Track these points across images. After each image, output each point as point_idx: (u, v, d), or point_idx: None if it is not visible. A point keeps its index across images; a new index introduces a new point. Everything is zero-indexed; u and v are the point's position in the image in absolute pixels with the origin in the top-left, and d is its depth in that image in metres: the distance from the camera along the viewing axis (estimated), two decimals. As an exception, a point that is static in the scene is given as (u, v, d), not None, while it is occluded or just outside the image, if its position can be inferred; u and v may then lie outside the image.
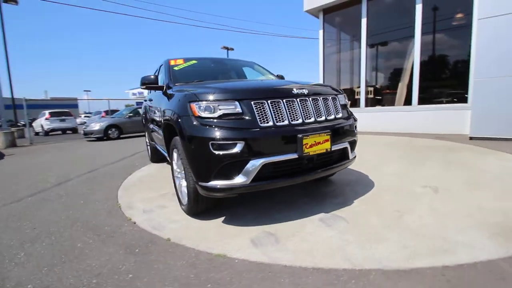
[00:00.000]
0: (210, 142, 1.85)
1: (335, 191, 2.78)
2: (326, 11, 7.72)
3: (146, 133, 4.71)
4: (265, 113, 1.95)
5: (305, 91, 2.14)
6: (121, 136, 10.65)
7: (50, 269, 1.66)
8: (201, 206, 2.21)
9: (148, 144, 4.76)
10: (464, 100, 5.91)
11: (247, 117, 1.91)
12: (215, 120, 1.91)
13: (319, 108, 2.19)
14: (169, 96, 2.61)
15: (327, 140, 2.08)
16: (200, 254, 1.75)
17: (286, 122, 1.99)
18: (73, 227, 2.27)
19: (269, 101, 1.98)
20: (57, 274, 1.61)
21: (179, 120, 2.05)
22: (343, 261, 1.58)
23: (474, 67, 5.34)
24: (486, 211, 2.13)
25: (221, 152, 1.85)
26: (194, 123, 1.94)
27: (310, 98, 2.15)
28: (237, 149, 1.84)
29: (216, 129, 1.88)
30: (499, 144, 4.58)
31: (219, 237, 1.96)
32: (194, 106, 1.97)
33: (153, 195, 3.00)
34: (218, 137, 1.85)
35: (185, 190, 2.30)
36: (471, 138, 5.17)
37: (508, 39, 4.59)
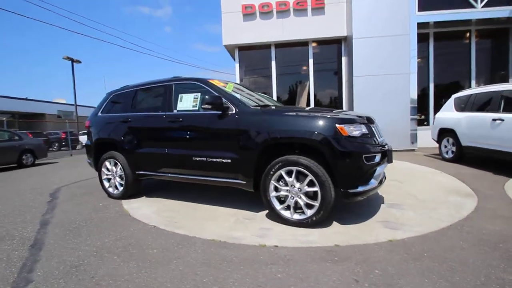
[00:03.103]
0: (364, 156, 2.39)
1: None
2: (241, 48, 8.92)
3: (119, 161, 3.74)
4: (375, 133, 2.70)
5: (374, 118, 3.07)
6: None
7: (310, 297, 1.58)
8: (329, 214, 2.54)
9: (121, 174, 3.78)
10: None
11: (371, 136, 2.59)
12: (359, 139, 2.45)
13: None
14: (266, 116, 2.75)
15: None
16: (380, 245, 2.21)
17: (381, 139, 2.83)
18: (230, 273, 1.91)
19: (371, 125, 2.75)
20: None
21: (329, 139, 2.38)
22: (441, 222, 2.60)
23: (346, 100, 8.25)
24: (439, 185, 3.86)
25: (370, 163, 2.42)
26: (347, 141, 2.38)
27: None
28: (377, 159, 2.49)
29: (364, 145, 2.44)
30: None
31: (363, 232, 2.43)
32: (343, 128, 2.40)
33: (227, 224, 2.77)
34: (369, 150, 2.42)
35: (308, 202, 2.54)
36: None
37: (367, 88, 7.56)
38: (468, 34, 8.12)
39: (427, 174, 4.67)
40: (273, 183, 2.68)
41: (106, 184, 4.01)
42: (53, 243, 2.48)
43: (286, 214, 2.66)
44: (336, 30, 8.18)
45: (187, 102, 3.28)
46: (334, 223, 2.66)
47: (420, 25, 7.51)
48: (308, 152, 2.61)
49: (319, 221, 2.53)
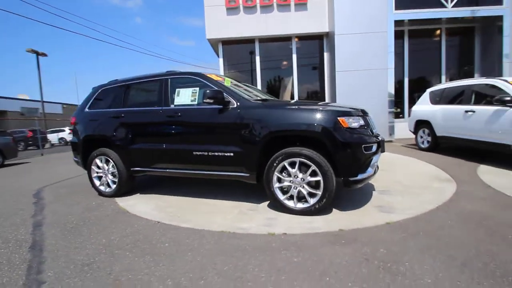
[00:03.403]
0: (363, 146, 2.55)
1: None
2: (225, 42, 8.86)
3: (112, 158, 3.64)
4: (370, 124, 2.88)
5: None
6: None
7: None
8: (331, 201, 2.68)
9: (114, 171, 3.68)
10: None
11: (367, 127, 2.76)
12: (357, 130, 2.61)
13: (371, 122, 3.37)
14: (268, 110, 2.84)
15: (382, 142, 3.31)
16: (379, 227, 2.39)
17: (375, 130, 3.01)
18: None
19: (366, 117, 2.92)
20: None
21: (331, 130, 2.51)
22: (428, 205, 2.85)
23: (328, 95, 8.53)
24: (420, 172, 4.18)
25: (368, 152, 2.59)
26: (347, 132, 2.52)
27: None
28: (373, 149, 2.66)
29: (363, 136, 2.60)
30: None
31: (362, 217, 2.61)
32: (344, 120, 2.54)
33: (231, 216, 2.83)
34: (367, 141, 2.59)
35: (311, 191, 2.66)
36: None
37: (350, 83, 7.87)
38: (439, 32, 8.70)
39: (408, 163, 5.02)
40: (276, 174, 2.77)
41: (97, 182, 3.88)
42: (54, 244, 2.39)
43: (290, 203, 2.77)
44: (318, 26, 8.39)
45: (184, 97, 3.26)
46: (334, 210, 2.82)
47: (396, 23, 7.92)
48: (308, 143, 2.73)
49: (321, 208, 2.66)
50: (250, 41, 8.82)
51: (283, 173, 2.78)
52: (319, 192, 2.63)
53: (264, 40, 8.82)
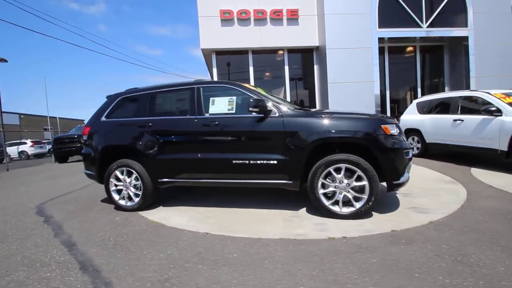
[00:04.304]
0: (404, 151, 2.77)
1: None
2: (218, 53, 8.90)
3: (135, 169, 3.46)
4: (402, 132, 3.13)
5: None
6: None
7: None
8: (375, 204, 2.84)
9: (137, 184, 3.50)
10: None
11: (401, 134, 3.00)
12: (397, 137, 2.83)
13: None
14: (314, 118, 2.95)
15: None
16: (426, 226, 2.59)
17: (403, 138, 3.27)
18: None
19: (398, 124, 3.17)
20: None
21: (378, 137, 2.69)
22: (453, 205, 3.15)
23: (320, 104, 8.95)
24: (424, 176, 4.56)
25: (407, 157, 2.82)
26: (391, 139, 2.73)
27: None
28: (410, 154, 2.90)
29: (402, 142, 2.82)
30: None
31: (404, 218, 2.80)
32: (387, 127, 2.74)
33: (279, 224, 2.86)
34: (407, 147, 2.81)
35: (356, 195, 2.80)
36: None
37: (340, 94, 8.35)
38: (413, 49, 9.65)
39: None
40: (321, 180, 2.87)
41: (116, 196, 3.63)
42: (106, 263, 2.21)
43: (335, 208, 2.87)
44: (309, 40, 8.85)
45: (221, 106, 3.26)
46: (374, 213, 2.98)
47: (379, 40, 8.65)
48: (349, 150, 2.89)
49: (366, 212, 2.81)
50: (244, 52, 8.98)
51: (327, 179, 2.89)
52: (365, 196, 2.78)
53: (257, 51, 9.04)
